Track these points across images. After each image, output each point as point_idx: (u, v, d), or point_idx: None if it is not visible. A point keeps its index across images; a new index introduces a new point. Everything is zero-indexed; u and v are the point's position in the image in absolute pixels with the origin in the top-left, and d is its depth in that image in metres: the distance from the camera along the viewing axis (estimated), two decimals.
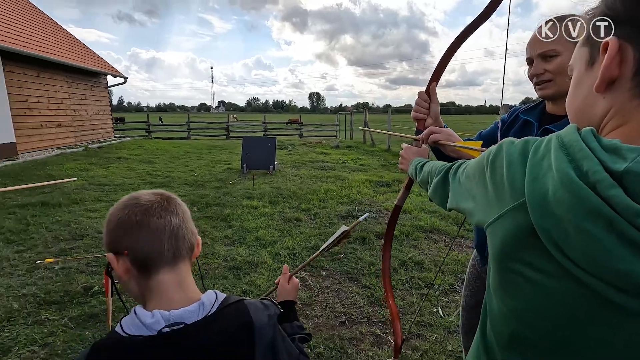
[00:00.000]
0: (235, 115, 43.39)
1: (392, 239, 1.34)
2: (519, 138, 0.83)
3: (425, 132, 1.11)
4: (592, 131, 0.43)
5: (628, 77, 0.46)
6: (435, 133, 1.07)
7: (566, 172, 0.41)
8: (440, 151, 1.13)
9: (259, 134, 18.12)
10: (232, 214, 4.73)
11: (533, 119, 1.13)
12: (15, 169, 7.54)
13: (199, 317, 0.65)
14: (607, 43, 0.46)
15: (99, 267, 3.20)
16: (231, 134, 18.55)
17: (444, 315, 2.57)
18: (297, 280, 1.03)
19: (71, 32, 14.55)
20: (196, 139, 17.38)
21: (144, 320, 0.63)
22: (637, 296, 0.38)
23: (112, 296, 1.01)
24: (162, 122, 25.14)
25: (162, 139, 16.95)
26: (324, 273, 3.22)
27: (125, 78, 14.92)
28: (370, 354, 2.18)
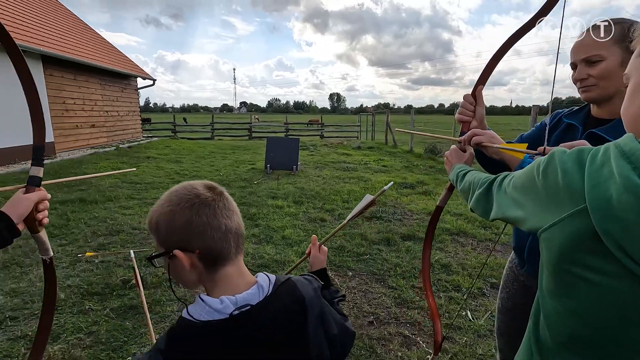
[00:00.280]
0: (257, 116, 43.99)
1: (432, 239, 1.36)
2: (562, 142, 0.84)
3: (467, 134, 1.11)
4: None
5: None
6: (478, 135, 1.07)
7: (630, 178, 0.43)
8: (482, 153, 1.13)
9: (281, 135, 18.33)
10: (258, 213, 4.84)
11: (577, 122, 1.13)
12: (54, 167, 7.97)
13: (260, 298, 0.72)
14: None
15: (136, 262, 3.36)
16: (253, 135, 18.84)
17: (473, 318, 2.55)
18: (325, 248, 1.09)
19: (103, 36, 15.21)
20: (220, 140, 17.77)
21: (214, 307, 0.68)
22: None
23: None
24: (186, 122, 25.82)
25: (188, 139, 17.43)
26: (350, 273, 3.26)
27: (154, 80, 15.45)
28: (400, 354, 2.19)
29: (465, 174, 0.95)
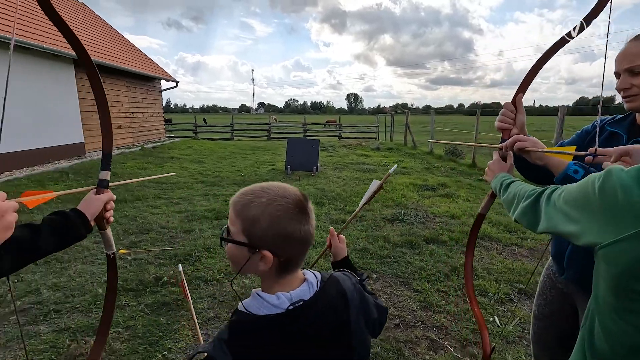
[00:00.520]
0: (275, 117, 44.41)
1: (474, 248, 1.37)
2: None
3: (510, 140, 1.11)
4: None
5: None
6: (522, 141, 1.08)
7: None
8: (522, 160, 1.13)
9: (299, 135, 18.45)
10: None
11: (621, 131, 1.12)
12: (85, 167, 8.32)
13: (311, 294, 0.77)
14: None
15: (166, 260, 3.49)
16: (272, 135, 19.04)
17: (501, 324, 2.53)
18: (343, 236, 1.14)
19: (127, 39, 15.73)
20: (239, 140, 18.05)
21: (272, 302, 0.74)
22: None
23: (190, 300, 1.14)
24: (206, 122, 26.35)
25: (208, 139, 17.79)
26: (375, 275, 3.28)
27: (177, 82, 15.86)
28: (427, 357, 2.21)
29: (509, 184, 0.96)
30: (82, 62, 0.94)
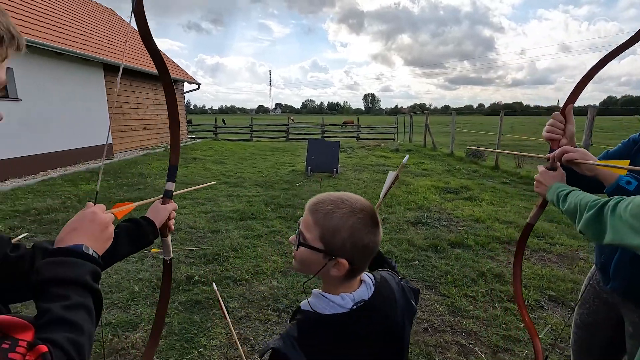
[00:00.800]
0: (292, 117, 44.70)
1: (522, 258, 1.38)
2: None
3: (558, 151, 1.10)
4: None
5: None
6: (570, 152, 1.06)
7: None
8: (572, 171, 1.11)
9: (317, 136, 18.51)
10: None
11: None
12: (114, 167, 8.63)
13: (370, 294, 0.82)
14: None
15: (195, 259, 3.60)
16: (290, 136, 19.17)
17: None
18: None
19: None
20: (258, 141, 18.27)
21: (337, 302, 0.78)
22: None
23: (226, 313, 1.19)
24: (225, 123, 26.80)
25: (228, 140, 18.09)
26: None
27: (199, 84, 16.20)
28: None
29: (567, 195, 0.95)
30: (165, 82, 1.01)
